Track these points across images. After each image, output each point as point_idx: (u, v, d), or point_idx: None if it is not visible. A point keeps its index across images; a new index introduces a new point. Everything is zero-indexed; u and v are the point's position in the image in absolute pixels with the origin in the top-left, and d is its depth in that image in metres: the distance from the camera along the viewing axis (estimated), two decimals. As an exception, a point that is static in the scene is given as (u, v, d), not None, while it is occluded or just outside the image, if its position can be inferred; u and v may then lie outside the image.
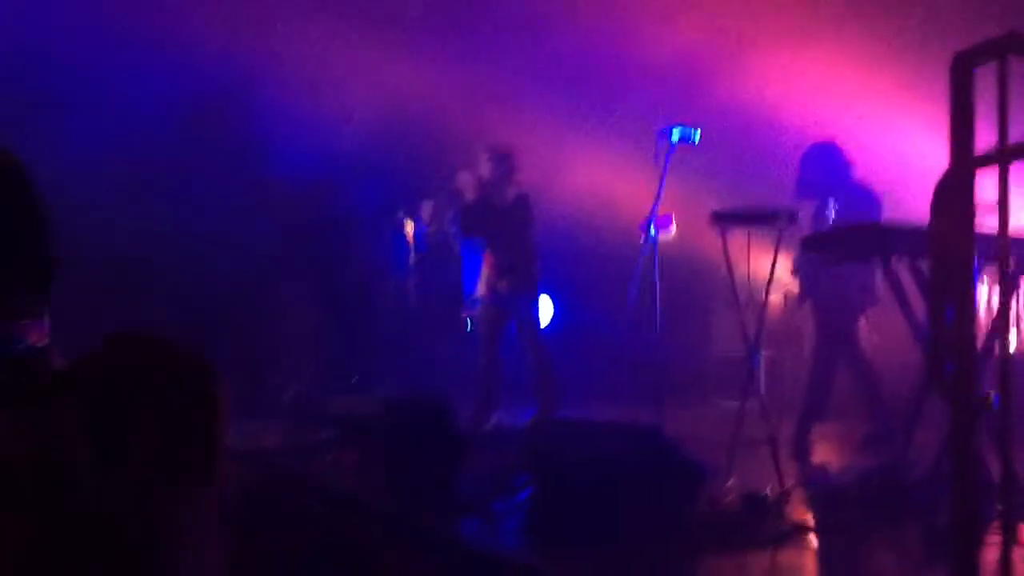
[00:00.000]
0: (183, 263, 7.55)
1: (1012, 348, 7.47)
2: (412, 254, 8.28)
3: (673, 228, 6.34)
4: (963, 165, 1.91)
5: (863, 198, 5.48)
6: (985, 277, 6.92)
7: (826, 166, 5.59)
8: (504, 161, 6.45)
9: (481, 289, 6.61)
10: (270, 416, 6.29)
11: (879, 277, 5.48)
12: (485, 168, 6.45)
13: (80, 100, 7.37)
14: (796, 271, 5.91)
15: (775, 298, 5.91)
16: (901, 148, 7.19)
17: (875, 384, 5.59)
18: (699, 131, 5.33)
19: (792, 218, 4.51)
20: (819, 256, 4.79)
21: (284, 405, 6.46)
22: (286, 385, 6.87)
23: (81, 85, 7.37)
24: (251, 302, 8.02)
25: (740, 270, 5.35)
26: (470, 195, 6.40)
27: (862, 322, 7.81)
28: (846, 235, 4.15)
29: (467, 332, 7.98)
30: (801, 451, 5.28)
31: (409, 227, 8.23)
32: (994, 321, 3.66)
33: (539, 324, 6.67)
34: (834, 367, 5.75)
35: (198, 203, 7.58)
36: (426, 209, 8.29)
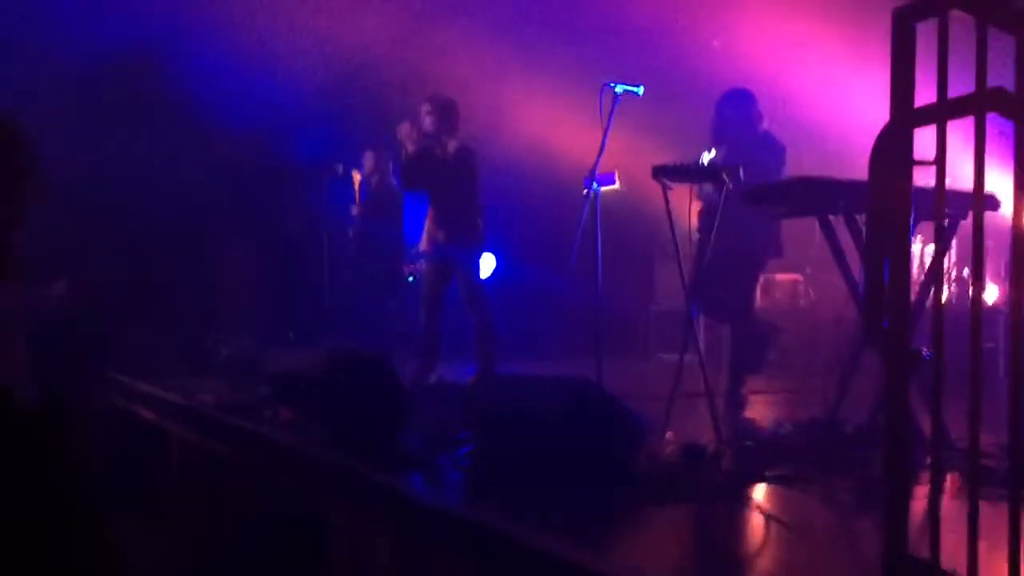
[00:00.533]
0: (118, 216, 7.37)
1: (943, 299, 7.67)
2: (355, 205, 8.17)
3: (617, 183, 6.34)
4: (902, 121, 1.92)
5: (768, 150, 5.46)
6: (919, 236, 7.06)
7: (737, 114, 5.57)
8: (446, 112, 6.33)
9: (424, 244, 6.55)
10: (207, 372, 6.20)
11: (783, 230, 5.55)
12: (426, 119, 6.32)
13: (13, 47, 7.09)
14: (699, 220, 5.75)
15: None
16: (846, 102, 7.25)
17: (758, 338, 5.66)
18: (642, 86, 5.31)
19: (734, 174, 4.53)
20: (719, 206, 4.78)
21: (221, 361, 6.37)
22: (223, 341, 6.76)
23: (16, 30, 7.10)
24: (187, 256, 7.87)
25: (683, 225, 5.35)
26: (411, 147, 6.29)
27: (801, 279, 7.89)
28: (784, 189, 4.18)
29: (409, 285, 7.93)
30: (736, 405, 5.36)
31: (356, 177, 8.10)
32: (927, 275, 3.73)
33: (481, 280, 6.63)
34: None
35: (134, 155, 7.38)
36: (368, 159, 8.17)
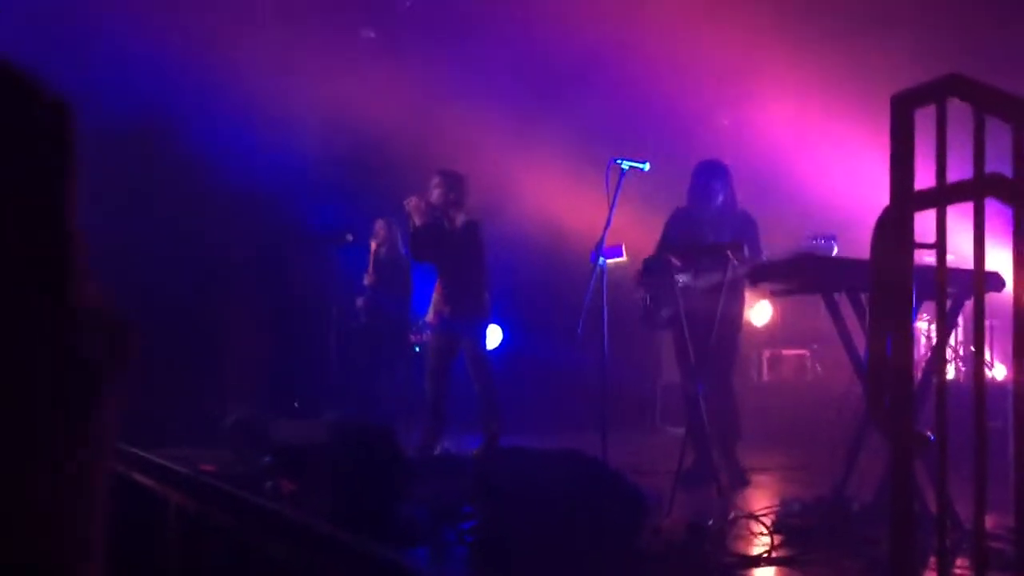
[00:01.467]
0: (123, 281, 7.39)
1: (950, 377, 7.62)
2: (367, 274, 8.19)
3: (624, 256, 6.38)
4: (902, 203, 1.95)
5: (749, 225, 5.49)
6: (925, 314, 7.05)
7: (723, 184, 5.58)
8: (454, 186, 6.42)
9: (430, 315, 6.57)
10: (210, 441, 6.17)
11: (746, 310, 5.54)
12: (435, 192, 6.41)
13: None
14: (646, 288, 5.66)
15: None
16: (853, 181, 7.32)
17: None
18: (648, 162, 5.37)
19: (738, 251, 4.56)
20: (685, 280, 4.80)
21: (225, 430, 6.34)
22: (228, 409, 6.75)
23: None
24: (193, 324, 7.89)
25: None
26: (418, 219, 6.37)
27: (808, 354, 7.81)
28: (789, 266, 4.20)
29: (415, 356, 7.92)
30: (740, 481, 5.30)
31: (373, 245, 8.14)
32: (932, 353, 3.73)
33: (487, 353, 6.62)
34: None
35: (141, 222, 7.44)
36: (379, 228, 8.22)
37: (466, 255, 6.36)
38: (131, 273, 7.40)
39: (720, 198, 5.53)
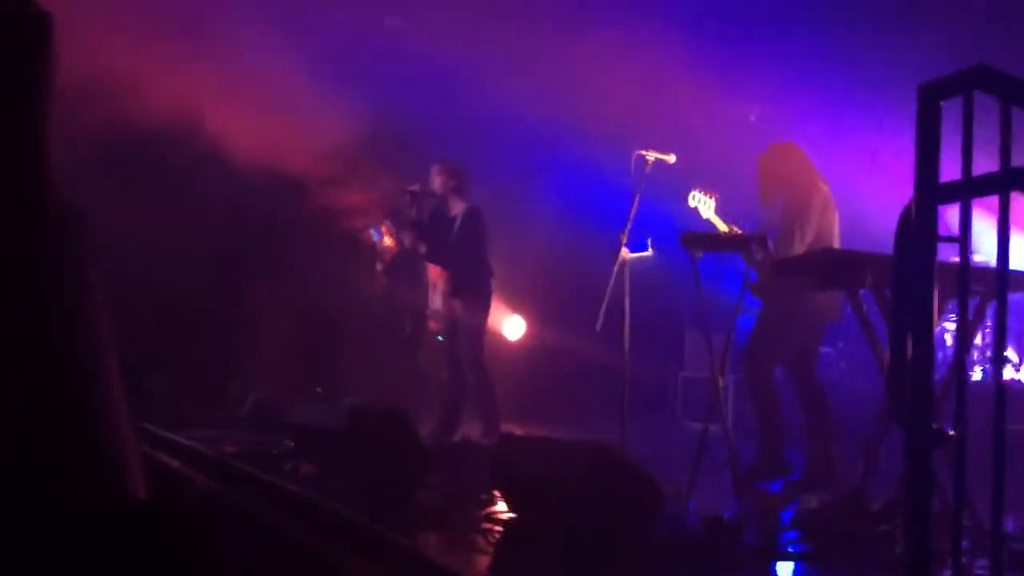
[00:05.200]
0: (145, 268, 7.42)
1: (978, 377, 7.53)
2: (381, 263, 8.20)
3: (649, 250, 6.35)
4: (926, 197, 1.92)
5: None
6: (952, 315, 6.97)
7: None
8: (455, 175, 6.46)
9: (436, 302, 6.59)
10: (231, 424, 6.22)
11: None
12: (436, 181, 6.47)
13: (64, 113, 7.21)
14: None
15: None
16: (880, 176, 7.24)
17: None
18: (673, 154, 5.31)
19: (762, 243, 4.52)
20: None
21: (245, 413, 6.39)
22: (248, 393, 6.80)
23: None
24: (215, 309, 7.93)
25: (712, 292, 5.32)
26: (418, 210, 6.49)
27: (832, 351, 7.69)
28: (812, 261, 4.17)
29: (438, 343, 7.93)
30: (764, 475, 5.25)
31: (386, 233, 8.16)
32: (957, 350, 3.68)
33: (479, 341, 6.49)
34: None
35: (163, 208, 7.45)
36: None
37: (465, 243, 6.37)
38: (152, 257, 7.44)
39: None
